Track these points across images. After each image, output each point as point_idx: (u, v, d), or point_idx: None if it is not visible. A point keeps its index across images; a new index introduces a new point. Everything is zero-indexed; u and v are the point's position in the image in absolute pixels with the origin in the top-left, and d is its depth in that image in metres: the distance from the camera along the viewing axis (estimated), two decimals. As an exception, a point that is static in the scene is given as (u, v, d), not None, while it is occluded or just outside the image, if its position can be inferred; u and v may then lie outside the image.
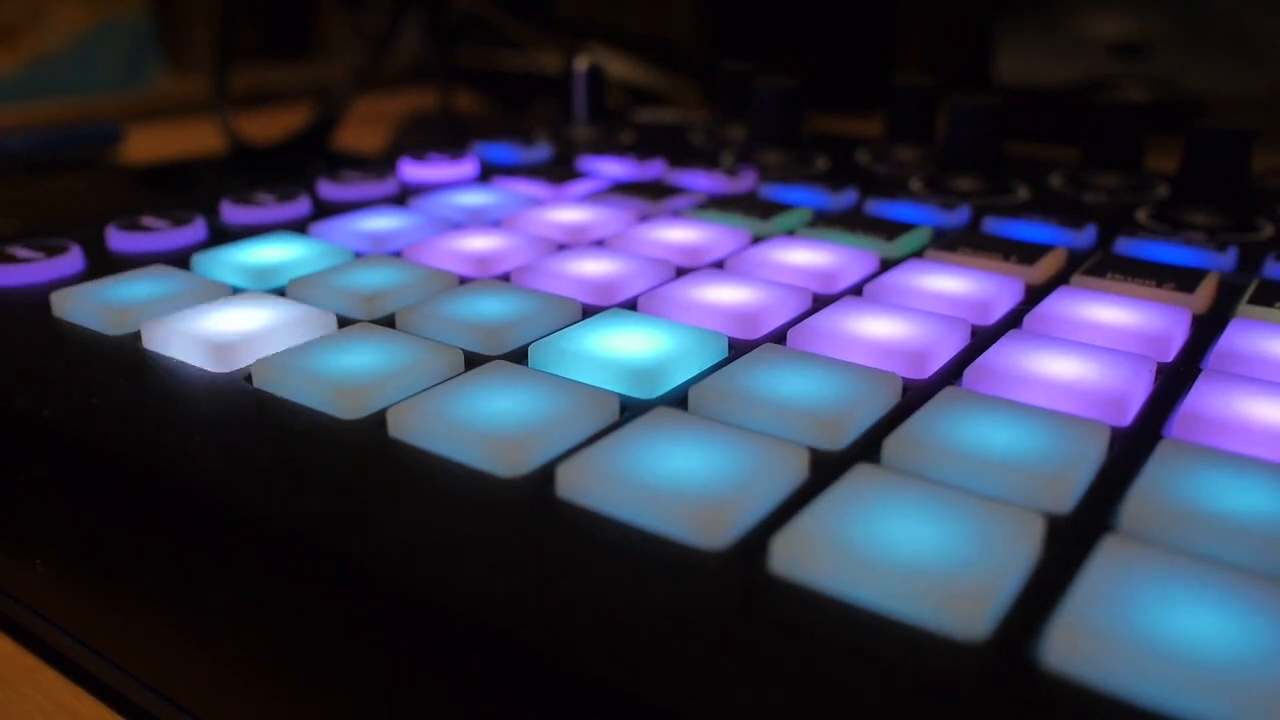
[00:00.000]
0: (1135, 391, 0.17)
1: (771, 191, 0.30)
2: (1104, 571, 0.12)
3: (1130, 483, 0.14)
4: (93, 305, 0.20)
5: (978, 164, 0.31)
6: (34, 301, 0.21)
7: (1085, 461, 0.15)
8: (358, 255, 0.25)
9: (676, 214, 0.28)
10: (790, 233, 0.27)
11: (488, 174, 0.33)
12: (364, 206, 0.29)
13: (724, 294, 0.21)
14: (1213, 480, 0.14)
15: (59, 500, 0.17)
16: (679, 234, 0.25)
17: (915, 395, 0.17)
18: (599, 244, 0.25)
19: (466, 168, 0.33)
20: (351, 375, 0.17)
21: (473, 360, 0.18)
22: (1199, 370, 0.18)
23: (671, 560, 0.13)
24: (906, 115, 0.35)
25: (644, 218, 0.28)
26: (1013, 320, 0.21)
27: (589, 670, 0.11)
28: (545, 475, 0.15)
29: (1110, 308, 0.21)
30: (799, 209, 0.28)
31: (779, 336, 0.20)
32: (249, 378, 0.18)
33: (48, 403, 0.17)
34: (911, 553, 0.12)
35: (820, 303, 0.22)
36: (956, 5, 0.63)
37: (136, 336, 0.20)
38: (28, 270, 0.22)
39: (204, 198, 0.28)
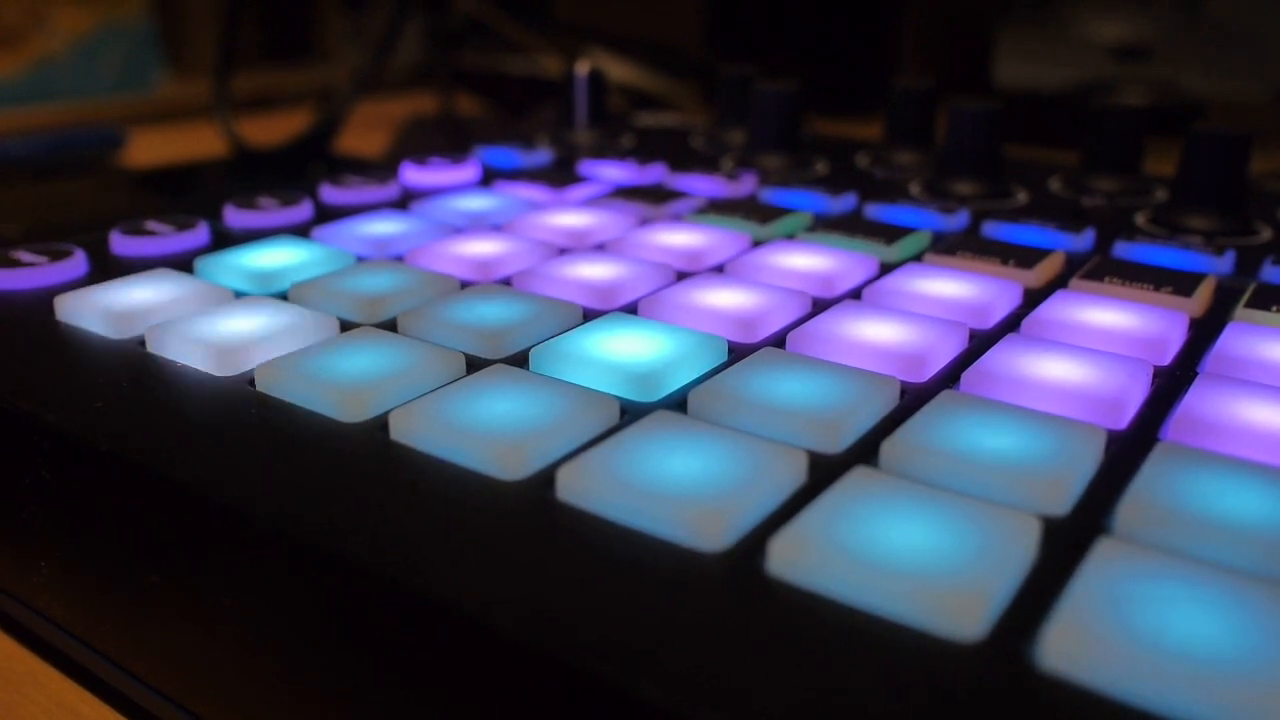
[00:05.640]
0: (1132, 395, 0.17)
1: (771, 195, 0.30)
2: (1099, 574, 0.12)
3: (1126, 486, 0.14)
4: (96, 309, 0.20)
5: (977, 168, 0.31)
6: (38, 305, 0.21)
7: (1082, 464, 0.15)
8: (360, 259, 0.25)
9: (677, 218, 0.28)
10: (790, 236, 0.27)
11: (489, 178, 0.33)
12: (366, 211, 0.29)
13: (724, 298, 0.21)
14: (1208, 483, 0.14)
15: (63, 503, 0.17)
16: (679, 238, 0.25)
17: (913, 399, 0.17)
18: (600, 248, 0.26)
19: (468, 172, 0.33)
20: (353, 379, 0.17)
21: (474, 364, 0.18)
22: (1196, 374, 0.18)
23: (670, 562, 0.13)
24: (906, 118, 0.35)
25: (644, 222, 0.28)
26: (1011, 324, 0.21)
27: (589, 671, 0.11)
28: (546, 478, 0.15)
29: (1108, 311, 0.21)
30: (798, 213, 0.28)
31: (778, 340, 0.20)
32: (252, 381, 0.18)
33: (52, 406, 0.17)
34: (908, 555, 0.12)
35: (819, 306, 0.22)
36: (956, 8, 0.63)
37: (140, 340, 0.20)
38: (31, 274, 0.23)
39: (206, 202, 0.28)
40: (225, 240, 0.26)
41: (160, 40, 0.67)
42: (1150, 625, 0.11)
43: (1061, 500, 0.14)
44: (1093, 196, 0.31)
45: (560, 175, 0.32)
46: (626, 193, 0.30)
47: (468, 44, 0.64)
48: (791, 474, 0.15)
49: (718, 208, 0.28)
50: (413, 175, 0.33)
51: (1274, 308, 0.21)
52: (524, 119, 0.58)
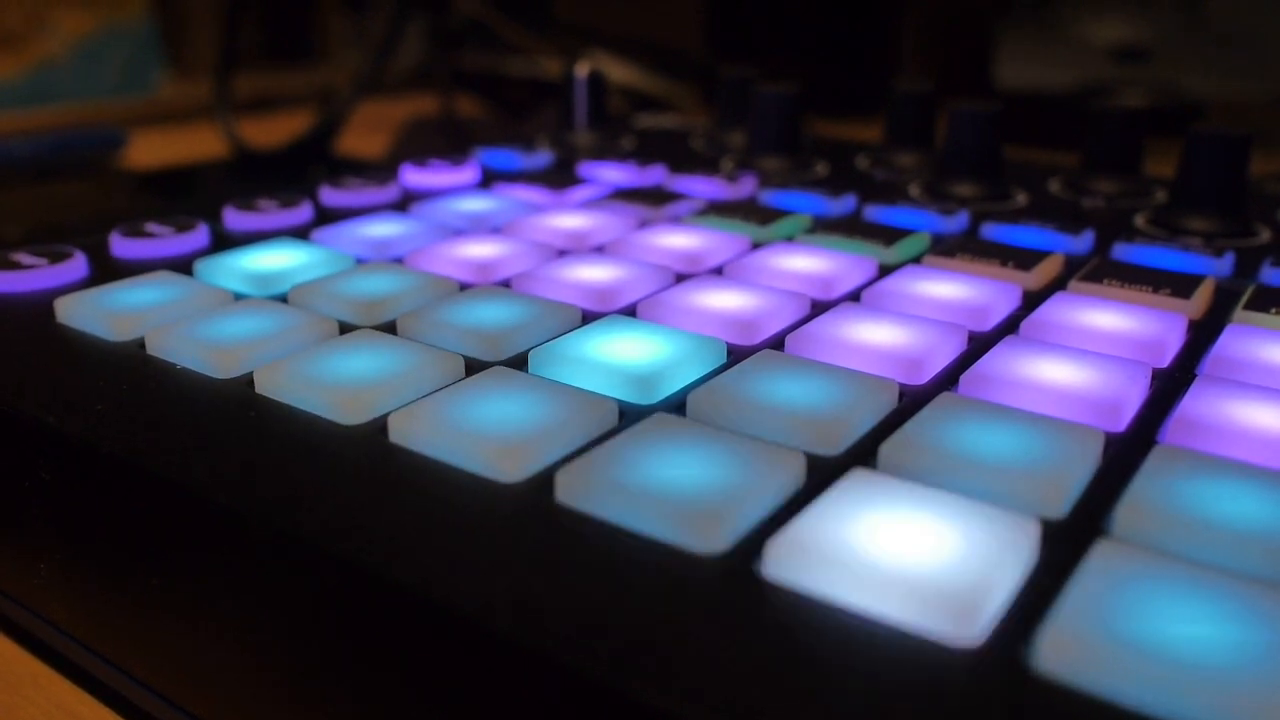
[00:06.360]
0: (1130, 397, 0.17)
1: (771, 197, 0.30)
2: (1097, 576, 0.12)
3: (1124, 488, 0.14)
4: (96, 311, 0.20)
5: (976, 169, 0.31)
6: (37, 308, 0.21)
7: (1080, 467, 0.15)
8: (359, 261, 0.25)
9: (676, 220, 0.28)
10: (789, 239, 0.27)
11: (489, 180, 0.33)
12: (366, 213, 0.29)
13: (723, 300, 0.21)
14: (1206, 486, 0.14)
15: (63, 505, 0.17)
16: (678, 240, 0.25)
17: (911, 401, 0.17)
18: (599, 250, 0.26)
19: (468, 174, 0.33)
20: (353, 381, 0.17)
21: (473, 366, 0.19)
22: (1194, 376, 0.18)
23: (668, 565, 0.13)
24: (906, 120, 0.35)
25: (644, 224, 0.28)
26: (1009, 326, 0.21)
27: (586, 673, 0.11)
28: (544, 481, 0.15)
29: (1106, 313, 0.21)
30: (798, 215, 0.28)
31: (777, 342, 0.20)
32: (251, 384, 0.18)
33: (52, 409, 0.17)
34: (906, 557, 0.12)
35: (818, 309, 0.22)
36: (956, 10, 0.63)
37: (140, 343, 0.20)
38: (31, 277, 0.23)
39: (206, 203, 0.28)
40: (225, 242, 0.26)
41: (161, 42, 0.67)
42: (1148, 629, 0.11)
43: (1060, 503, 0.14)
44: (1092, 198, 0.31)
45: (560, 177, 0.32)
46: (626, 195, 0.30)
47: (468, 45, 0.64)
48: (790, 476, 0.15)
49: (717, 210, 0.28)
50: (412, 177, 0.33)
51: (1273, 310, 0.21)
52: (524, 121, 0.58)
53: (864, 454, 0.16)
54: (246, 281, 0.23)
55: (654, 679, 0.11)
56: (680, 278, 0.23)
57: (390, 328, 0.20)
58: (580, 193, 0.31)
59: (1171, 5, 0.54)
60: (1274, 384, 0.18)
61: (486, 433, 0.15)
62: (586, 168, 0.34)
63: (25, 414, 0.17)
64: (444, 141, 0.53)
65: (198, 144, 0.55)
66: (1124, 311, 0.21)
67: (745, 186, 0.32)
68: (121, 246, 0.25)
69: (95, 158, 0.50)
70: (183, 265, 0.24)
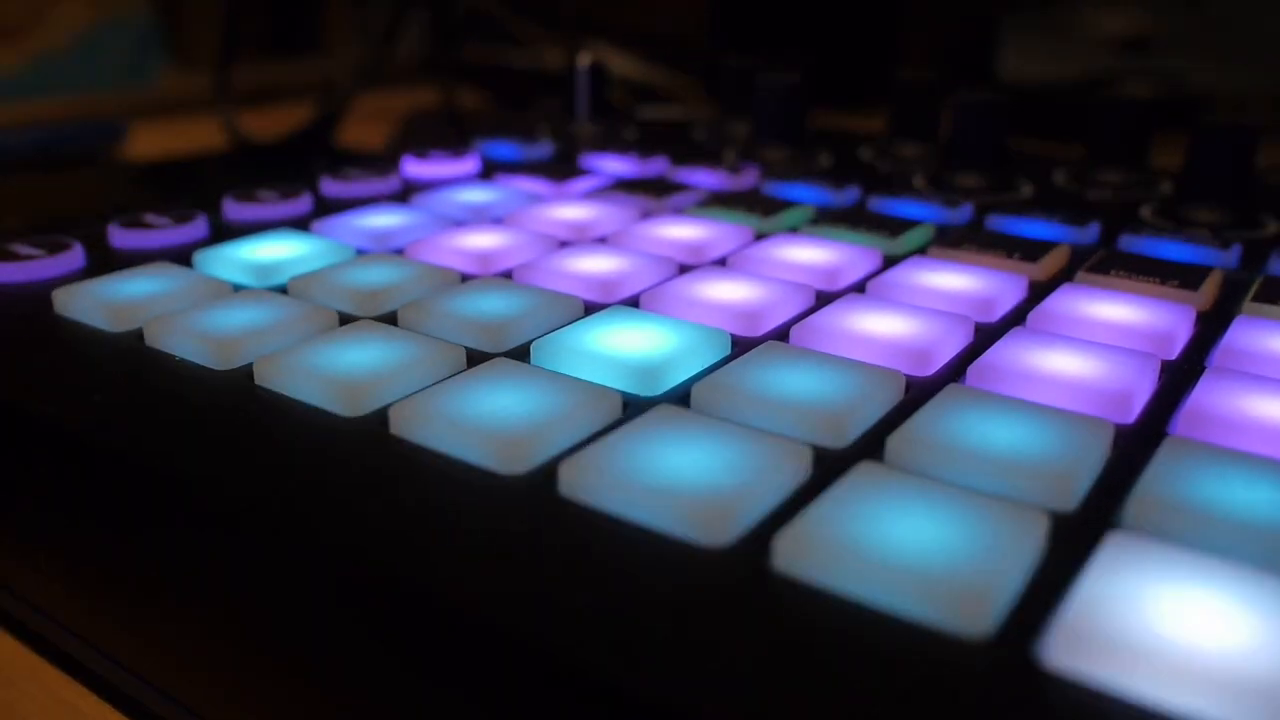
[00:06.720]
0: (1139, 389, 0.17)
1: (774, 188, 0.30)
2: (1108, 569, 0.12)
3: (1134, 480, 0.14)
4: (94, 302, 0.20)
5: (981, 161, 0.31)
6: (36, 299, 0.21)
7: (1089, 459, 0.15)
8: (359, 252, 0.25)
9: (679, 211, 0.28)
10: (793, 230, 0.26)
11: (490, 171, 0.33)
12: (366, 204, 0.29)
13: (726, 291, 0.21)
14: (1217, 478, 0.14)
15: (61, 498, 0.17)
16: (681, 231, 0.25)
17: (918, 393, 0.17)
18: (601, 241, 0.25)
19: (469, 165, 0.33)
20: (353, 372, 0.17)
21: (475, 358, 0.18)
22: (1203, 368, 0.18)
23: (674, 558, 0.13)
24: (910, 111, 0.35)
25: (646, 215, 0.28)
26: (1016, 317, 0.21)
27: (590, 667, 0.11)
28: (547, 473, 0.15)
29: (1114, 305, 0.20)
30: (802, 206, 0.28)
31: (782, 334, 0.20)
32: (250, 375, 0.18)
33: (49, 400, 0.17)
34: (915, 550, 0.12)
35: (823, 300, 0.21)
36: (961, 1, 0.63)
37: (138, 334, 0.20)
38: (29, 267, 0.22)
39: (206, 195, 0.28)
40: (224, 233, 0.26)
41: (162, 33, 0.67)
42: (1159, 621, 0.11)
43: (1069, 495, 0.14)
44: (1098, 189, 0.31)
45: (562, 168, 0.32)
46: (628, 185, 0.30)
47: (470, 37, 0.63)
48: (796, 469, 0.14)
49: (720, 201, 0.28)
50: (413, 168, 0.32)
51: (1282, 301, 0.21)
52: (525, 112, 0.58)
53: (871, 446, 0.15)
54: (246, 272, 0.23)
55: (660, 673, 0.11)
56: (683, 269, 0.23)
57: (391, 319, 0.20)
58: (582, 183, 0.31)
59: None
60: (1284, 376, 0.18)
61: (488, 425, 0.15)
62: (588, 159, 0.34)
63: (22, 405, 0.17)
64: (445, 132, 0.53)
65: (198, 136, 0.55)
66: (1132, 303, 0.21)
67: (748, 177, 0.31)
68: (120, 237, 0.25)
69: (94, 149, 0.49)
70: (182, 256, 0.24)
